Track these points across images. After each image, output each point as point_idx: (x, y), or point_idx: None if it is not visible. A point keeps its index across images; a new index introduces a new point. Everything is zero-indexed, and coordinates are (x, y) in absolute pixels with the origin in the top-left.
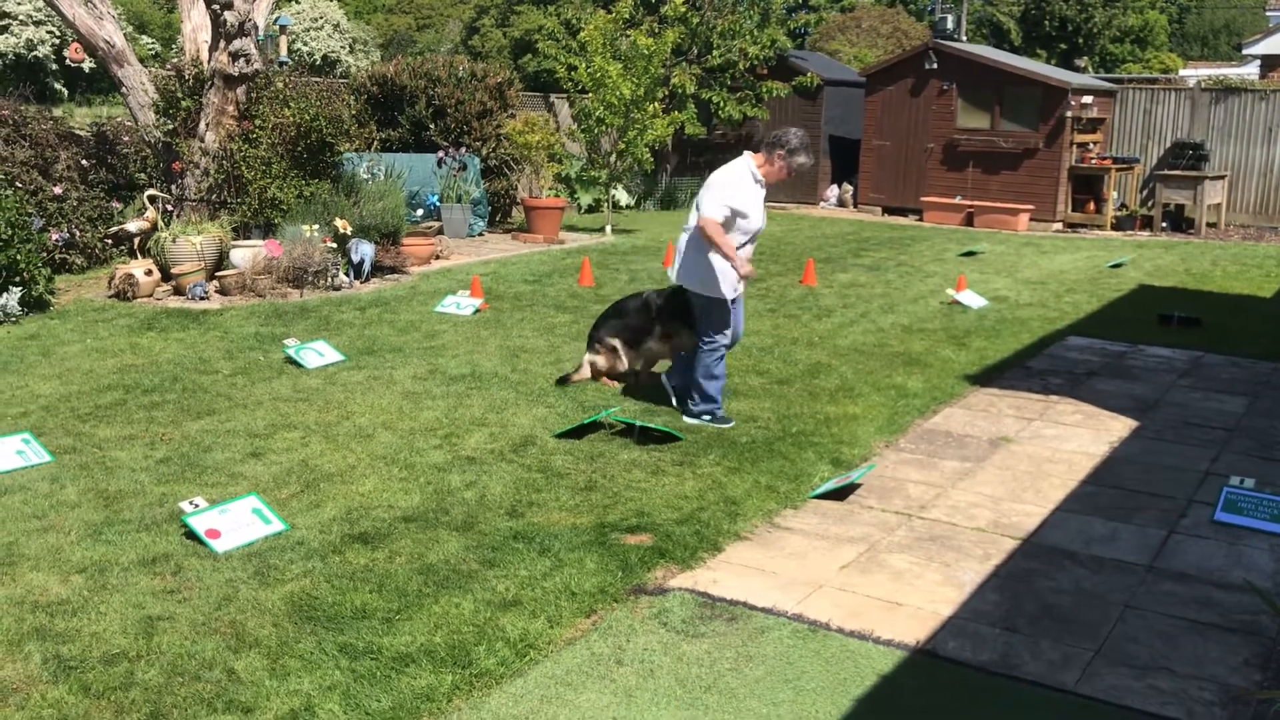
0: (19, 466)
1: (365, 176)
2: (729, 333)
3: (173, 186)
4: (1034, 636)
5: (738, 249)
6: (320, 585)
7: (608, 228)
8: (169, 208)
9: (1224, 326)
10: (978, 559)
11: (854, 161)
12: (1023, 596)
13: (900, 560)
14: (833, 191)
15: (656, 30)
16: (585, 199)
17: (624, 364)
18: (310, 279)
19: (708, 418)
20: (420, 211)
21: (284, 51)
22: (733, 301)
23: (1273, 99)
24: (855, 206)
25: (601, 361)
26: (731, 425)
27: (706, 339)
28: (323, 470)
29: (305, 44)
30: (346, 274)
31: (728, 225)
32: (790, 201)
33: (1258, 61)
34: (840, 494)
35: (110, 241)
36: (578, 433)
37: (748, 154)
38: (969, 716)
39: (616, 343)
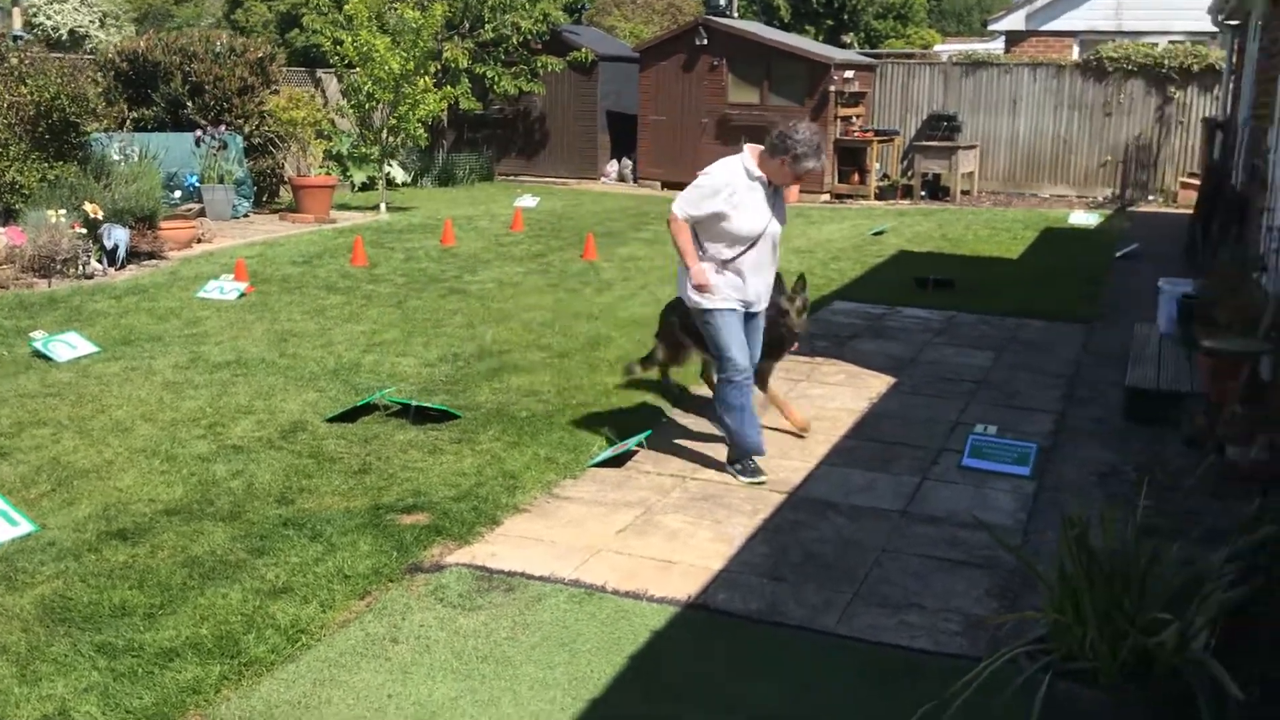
0: None
1: (117, 158)
2: (738, 351)
3: None
4: (798, 584)
5: (731, 259)
6: (75, 585)
7: (382, 205)
8: None
9: (975, 287)
10: (747, 514)
11: (632, 137)
12: (788, 547)
13: (675, 520)
14: (612, 167)
15: (425, 3)
16: (358, 176)
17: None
18: (59, 267)
19: (737, 467)
20: (179, 193)
21: (18, 24)
22: (746, 319)
23: (1015, 72)
24: (635, 181)
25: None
26: (763, 481)
27: (719, 363)
28: (76, 467)
29: (49, 17)
30: (100, 261)
31: (707, 227)
32: (571, 177)
33: (1003, 37)
34: (618, 461)
35: None
36: (351, 416)
37: (748, 147)
38: (737, 663)
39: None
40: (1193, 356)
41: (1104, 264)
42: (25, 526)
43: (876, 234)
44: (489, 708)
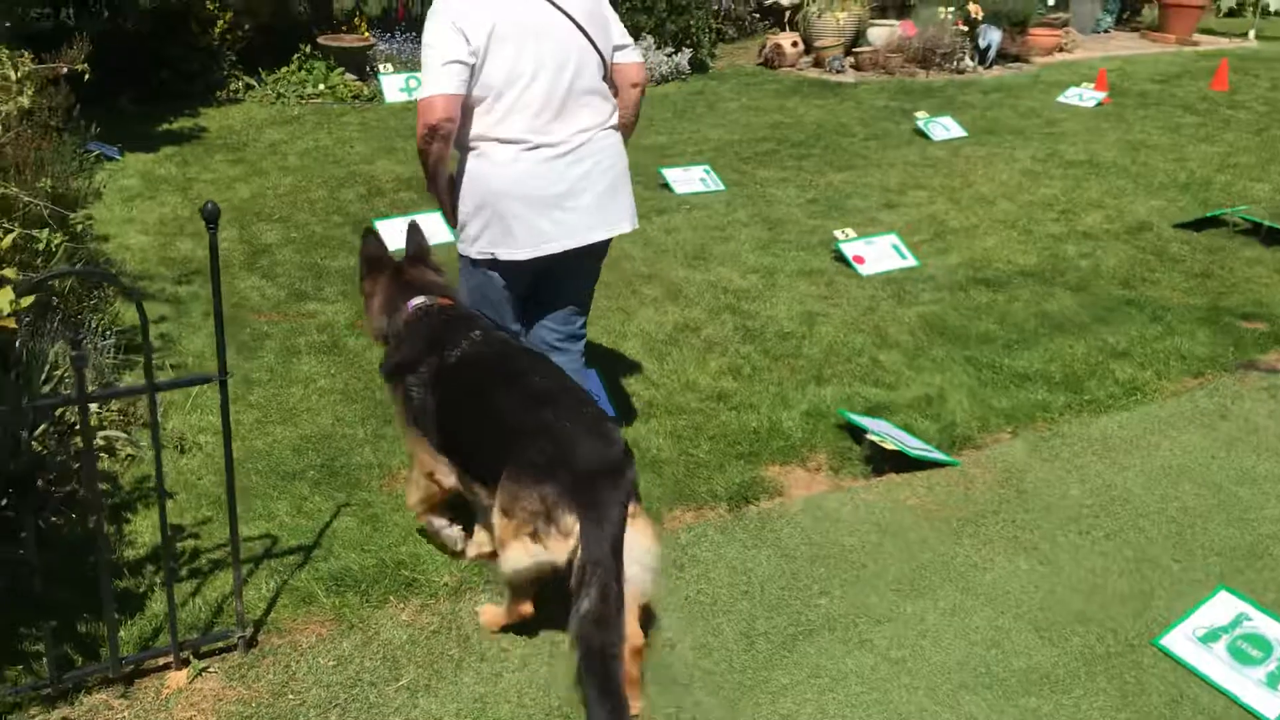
0: (700, 190)
1: None
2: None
3: None
4: None
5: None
6: (948, 312)
7: (1251, 33)
8: None
9: None
10: None
11: None
12: None
13: None
14: None
15: None
16: (1226, 0)
17: None
18: (937, 60)
19: None
20: (1051, 0)
21: None
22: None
23: None
24: None
25: None
26: None
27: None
28: (948, 225)
29: None
30: (971, 58)
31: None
32: None
33: None
34: None
35: (759, 15)
36: (1197, 226)
37: None
38: None
39: None
40: None
41: None
42: (911, 261)
43: None
44: None
